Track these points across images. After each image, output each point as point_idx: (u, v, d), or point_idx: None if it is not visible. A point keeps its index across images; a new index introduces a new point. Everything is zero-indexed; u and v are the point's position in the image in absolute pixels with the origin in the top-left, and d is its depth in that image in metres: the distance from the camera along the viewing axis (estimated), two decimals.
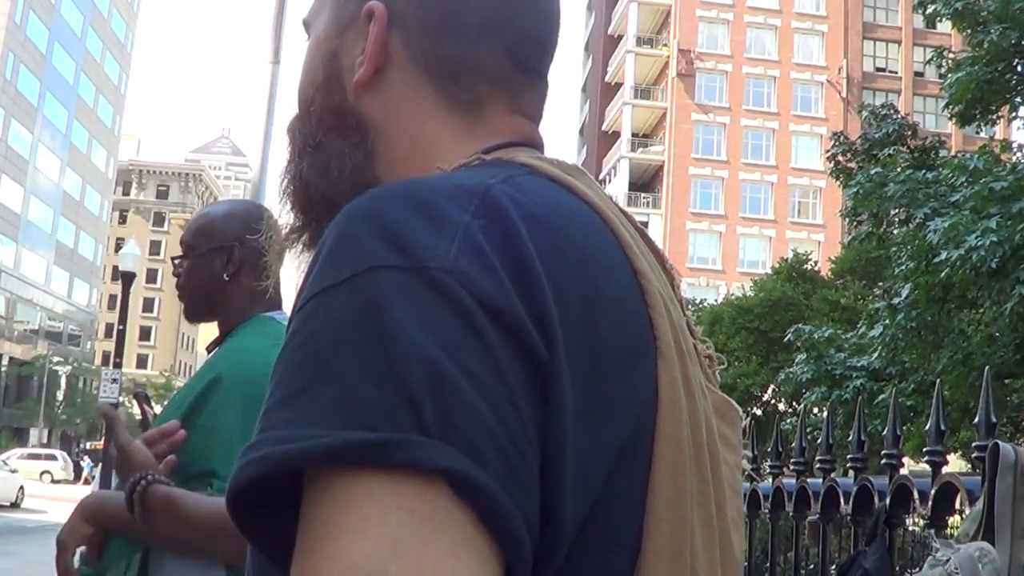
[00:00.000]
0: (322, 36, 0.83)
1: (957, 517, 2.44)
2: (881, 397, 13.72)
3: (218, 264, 1.91)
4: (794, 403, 21.41)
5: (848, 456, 2.61)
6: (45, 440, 56.66)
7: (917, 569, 2.00)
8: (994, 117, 15.39)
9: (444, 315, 0.57)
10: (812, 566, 3.70)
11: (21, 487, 25.94)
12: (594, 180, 0.77)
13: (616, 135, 57.06)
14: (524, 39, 0.80)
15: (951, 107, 14.87)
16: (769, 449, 3.20)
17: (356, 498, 0.53)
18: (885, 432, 2.43)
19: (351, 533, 0.53)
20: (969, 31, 14.30)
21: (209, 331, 2.08)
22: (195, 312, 2.00)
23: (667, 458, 0.65)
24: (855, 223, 18.48)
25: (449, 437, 0.54)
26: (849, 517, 2.63)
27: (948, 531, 2.38)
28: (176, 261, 2.00)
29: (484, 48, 0.78)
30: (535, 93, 0.82)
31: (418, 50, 0.78)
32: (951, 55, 15.87)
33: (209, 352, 2.01)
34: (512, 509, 0.55)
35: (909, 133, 17.55)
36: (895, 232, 16.42)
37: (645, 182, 55.62)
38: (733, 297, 29.96)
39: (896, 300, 13.75)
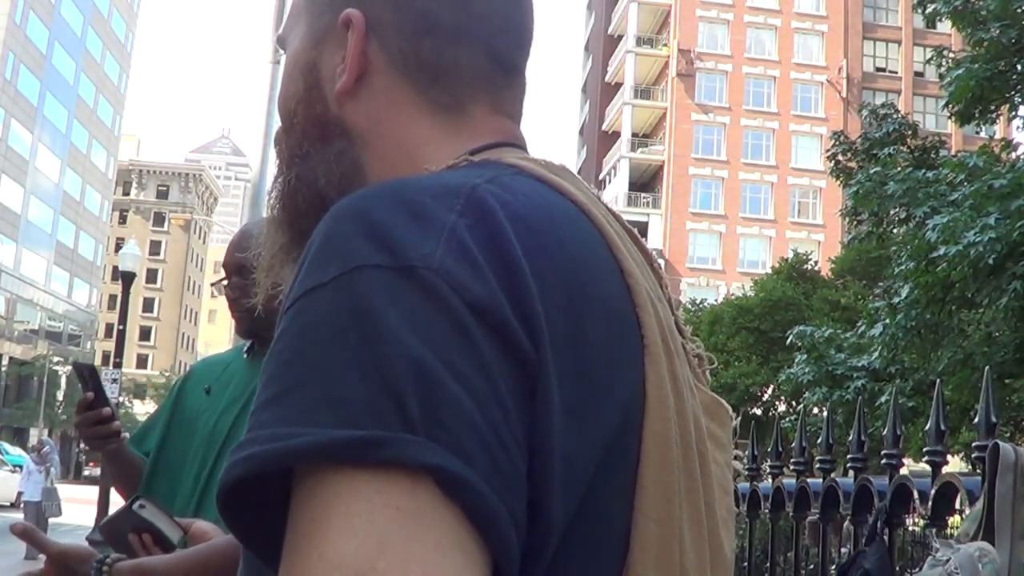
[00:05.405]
0: (299, 48, 0.84)
1: (957, 517, 2.44)
2: (883, 399, 13.72)
3: None
4: (794, 403, 21.42)
5: (848, 456, 2.61)
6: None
7: (917, 569, 2.00)
8: (993, 116, 15.40)
9: (430, 314, 0.57)
10: (812, 566, 3.70)
11: None
12: (581, 180, 0.77)
13: (616, 135, 57.08)
14: (501, 37, 0.81)
15: (951, 105, 14.88)
16: (769, 449, 3.20)
17: (343, 496, 0.54)
18: (885, 432, 2.42)
19: (338, 530, 0.53)
20: (969, 30, 14.32)
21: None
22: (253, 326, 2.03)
23: (655, 456, 0.65)
24: (855, 223, 18.51)
25: (435, 434, 0.54)
26: (849, 517, 2.63)
27: (948, 531, 2.38)
28: (225, 282, 2.04)
29: (462, 49, 0.78)
30: (514, 91, 0.83)
31: (397, 55, 0.78)
32: (951, 54, 15.88)
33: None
34: (498, 506, 0.55)
35: (909, 133, 17.58)
36: (895, 231, 16.43)
37: (645, 182, 55.64)
38: (733, 297, 30.00)
39: (896, 300, 13.75)
